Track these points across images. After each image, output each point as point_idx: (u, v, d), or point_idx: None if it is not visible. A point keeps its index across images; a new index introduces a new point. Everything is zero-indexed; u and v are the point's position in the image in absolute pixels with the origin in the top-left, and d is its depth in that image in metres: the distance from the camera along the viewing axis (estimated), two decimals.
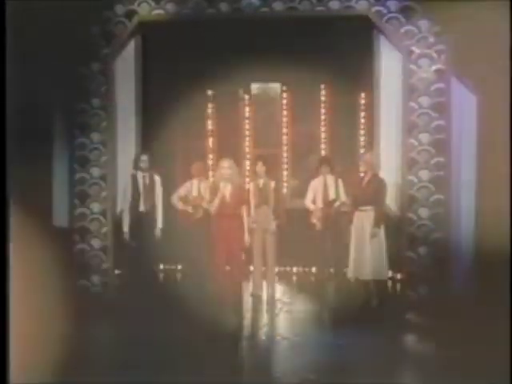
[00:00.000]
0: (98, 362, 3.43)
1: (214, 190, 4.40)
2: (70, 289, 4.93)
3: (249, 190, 5.41)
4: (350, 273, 4.88)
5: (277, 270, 5.91)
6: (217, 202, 4.33)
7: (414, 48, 4.93)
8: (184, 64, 6.16)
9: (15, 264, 3.10)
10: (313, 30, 5.50)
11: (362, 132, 6.75)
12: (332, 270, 5.74)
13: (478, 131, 4.76)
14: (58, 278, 4.54)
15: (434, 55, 4.91)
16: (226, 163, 4.37)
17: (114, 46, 5.15)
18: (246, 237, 4.41)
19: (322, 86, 6.85)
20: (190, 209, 5.63)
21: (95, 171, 5.23)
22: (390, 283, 5.51)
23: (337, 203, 5.46)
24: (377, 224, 4.74)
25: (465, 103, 4.85)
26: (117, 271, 5.44)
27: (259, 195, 5.32)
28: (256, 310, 4.94)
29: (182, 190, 5.78)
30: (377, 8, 4.94)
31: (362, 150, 6.58)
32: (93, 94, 5.18)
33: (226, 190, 4.36)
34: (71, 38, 4.93)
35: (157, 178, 5.15)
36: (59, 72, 4.94)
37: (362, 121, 6.73)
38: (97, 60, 5.16)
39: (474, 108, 4.78)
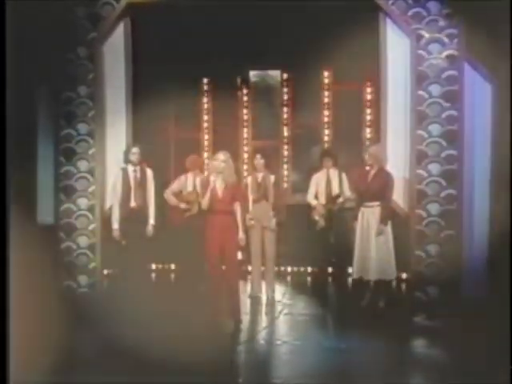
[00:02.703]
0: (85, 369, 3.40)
1: (206, 183, 4.35)
2: (56, 290, 4.90)
3: (246, 184, 5.38)
4: (355, 273, 4.86)
5: (276, 269, 5.88)
6: (207, 196, 4.28)
7: (423, 32, 4.87)
8: (177, 49, 6.10)
9: None
10: (315, 13, 5.44)
11: (367, 123, 6.72)
12: (335, 270, 5.72)
13: (492, 122, 4.71)
14: (42, 278, 4.50)
15: (445, 40, 4.86)
16: (221, 156, 4.33)
17: (101, 29, 5.10)
18: (241, 235, 4.36)
19: (325, 74, 6.81)
20: (184, 205, 5.60)
21: (82, 164, 5.20)
22: (397, 284, 5.49)
23: (340, 199, 5.44)
24: (383, 221, 4.71)
25: (478, 92, 4.79)
26: (105, 271, 5.41)
27: (258, 190, 5.29)
28: (255, 312, 4.92)
29: (175, 185, 5.75)
30: None
31: (367, 142, 6.56)
32: (79, 81, 5.13)
33: (218, 184, 4.31)
34: (55, 21, 4.86)
35: (149, 172, 5.11)
36: (43, 58, 4.87)
37: (368, 111, 6.70)
38: (83, 45, 5.10)
39: (488, 97, 4.73)
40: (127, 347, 3.70)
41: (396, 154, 4.99)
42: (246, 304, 5.03)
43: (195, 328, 4.14)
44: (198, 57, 6.18)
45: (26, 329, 3.34)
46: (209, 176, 4.37)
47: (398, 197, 4.98)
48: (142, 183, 5.01)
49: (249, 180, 5.44)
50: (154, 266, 6.62)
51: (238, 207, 4.39)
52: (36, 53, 4.79)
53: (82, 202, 5.19)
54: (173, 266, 6.55)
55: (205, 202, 4.32)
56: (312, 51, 6.05)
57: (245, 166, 6.94)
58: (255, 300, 5.25)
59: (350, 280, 5.05)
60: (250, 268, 5.51)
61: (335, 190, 5.48)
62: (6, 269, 3.02)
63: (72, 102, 5.15)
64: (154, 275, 6.46)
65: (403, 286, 5.61)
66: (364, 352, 3.77)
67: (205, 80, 7.00)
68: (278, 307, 5.02)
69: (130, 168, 5.02)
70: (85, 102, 5.16)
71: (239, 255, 5.36)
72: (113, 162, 5.23)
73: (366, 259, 4.76)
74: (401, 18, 4.91)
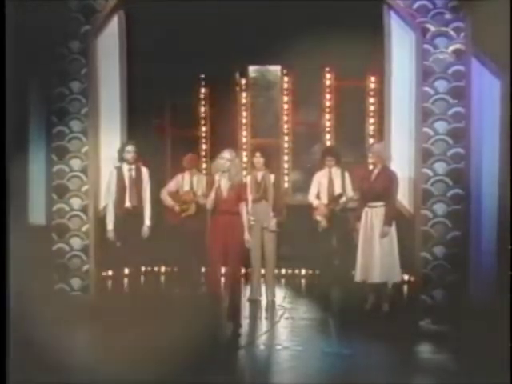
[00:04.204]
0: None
1: (211, 182, 4.32)
2: (47, 293, 4.88)
3: (246, 183, 5.35)
4: (358, 275, 4.85)
5: (277, 272, 5.86)
6: (212, 196, 4.25)
7: (428, 26, 4.86)
8: (174, 44, 6.08)
9: None
10: (316, 6, 5.41)
11: (371, 120, 6.70)
12: (338, 273, 5.69)
13: (501, 119, 4.68)
14: (33, 281, 4.48)
15: (452, 33, 4.84)
16: (227, 154, 4.29)
17: (94, 22, 5.08)
18: (247, 236, 4.33)
19: (327, 69, 6.78)
20: (181, 205, 5.59)
21: (75, 163, 5.18)
22: (401, 287, 5.47)
23: (343, 199, 5.42)
24: (387, 222, 4.70)
25: (486, 87, 4.77)
26: (99, 274, 5.39)
27: (257, 190, 5.27)
28: (254, 316, 4.89)
29: (172, 184, 5.75)
30: None
31: (370, 140, 6.55)
32: (72, 76, 5.11)
33: (223, 183, 4.28)
34: (46, 14, 4.83)
35: (144, 171, 5.10)
36: (34, 52, 4.84)
37: (371, 107, 6.69)
38: (76, 38, 5.08)
39: (496, 93, 4.71)
40: (122, 350, 3.70)
41: (400, 153, 4.97)
42: (245, 308, 4.99)
43: (193, 332, 4.12)
44: (195, 51, 6.15)
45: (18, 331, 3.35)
46: (213, 175, 4.33)
47: (403, 197, 4.96)
48: (137, 182, 5.00)
49: (248, 179, 5.42)
50: (149, 269, 6.59)
51: (243, 208, 4.36)
52: (26, 47, 4.76)
53: (75, 202, 5.17)
54: (169, 269, 6.52)
55: (209, 202, 4.29)
56: (314, 46, 6.02)
57: (244, 165, 6.92)
58: (255, 303, 5.23)
59: (352, 283, 5.02)
60: (249, 270, 5.49)
61: (337, 189, 5.46)
62: (5, 269, 3.04)
63: (64, 99, 5.13)
64: (149, 277, 6.43)
65: (408, 289, 5.60)
66: (368, 358, 3.75)
67: (202, 75, 6.97)
68: (279, 311, 5.00)
69: (125, 167, 5.00)
70: (78, 99, 5.14)
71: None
72: (107, 161, 5.21)
73: (369, 261, 4.74)
74: (405, 11, 4.89)
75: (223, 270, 4.50)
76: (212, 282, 4.33)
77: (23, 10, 4.29)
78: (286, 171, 6.91)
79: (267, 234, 5.29)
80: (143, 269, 6.29)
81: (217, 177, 4.28)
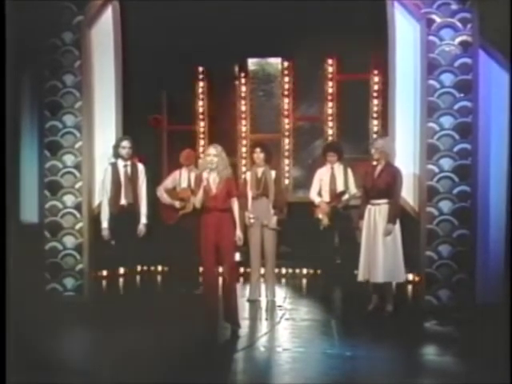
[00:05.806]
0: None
1: (199, 181, 4.30)
2: (39, 293, 4.87)
3: (245, 180, 5.35)
4: (361, 275, 4.83)
5: (277, 271, 5.85)
6: (201, 194, 4.23)
7: (434, 16, 4.84)
8: (171, 35, 6.06)
9: None
10: None
11: (374, 115, 6.69)
12: (340, 272, 5.69)
13: (509, 113, 4.67)
14: (25, 280, 4.47)
15: (458, 24, 4.82)
16: (212, 150, 4.28)
17: (88, 12, 5.06)
18: (239, 233, 4.32)
19: (329, 62, 6.77)
20: (177, 202, 5.58)
21: (68, 159, 5.17)
22: (406, 287, 5.47)
23: (346, 196, 5.41)
24: (391, 219, 4.69)
25: (494, 81, 4.76)
26: (93, 273, 5.39)
27: (257, 186, 5.25)
28: (254, 317, 4.88)
29: (169, 181, 5.75)
30: None
31: (374, 136, 6.53)
32: (65, 69, 5.09)
33: (212, 180, 4.26)
34: (37, 3, 4.81)
35: (140, 167, 5.10)
36: (24, 44, 4.82)
37: (375, 101, 6.67)
38: (69, 29, 5.06)
39: (504, 86, 4.69)
40: (118, 352, 3.69)
41: (405, 148, 4.96)
42: (244, 308, 5.00)
43: (190, 334, 4.12)
44: (192, 43, 6.14)
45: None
46: (201, 173, 4.31)
47: (408, 194, 4.95)
48: (132, 179, 4.99)
49: (248, 175, 5.41)
50: (145, 268, 6.60)
51: (234, 204, 4.34)
52: (18, 39, 4.74)
53: (69, 200, 5.17)
54: (166, 268, 6.52)
55: (198, 201, 4.27)
56: (315, 37, 6.01)
57: (243, 161, 6.92)
58: (254, 304, 5.22)
59: (355, 283, 5.02)
60: (248, 270, 5.48)
61: (340, 186, 5.45)
62: (5, 269, 3.04)
63: (57, 92, 5.13)
64: (145, 277, 6.44)
65: (412, 289, 5.60)
66: (371, 360, 3.74)
67: (200, 68, 6.96)
68: (279, 312, 4.99)
69: (120, 163, 4.99)
70: (71, 92, 5.14)
71: (237, 256, 5.34)
72: (101, 157, 5.20)
73: (372, 260, 4.73)
74: (410, 1, 4.87)
75: (220, 269, 4.49)
76: (208, 282, 4.32)
77: (21, 4, 4.28)
78: (286, 167, 6.90)
79: (267, 232, 5.28)
80: (139, 268, 6.30)
81: (205, 174, 4.26)
